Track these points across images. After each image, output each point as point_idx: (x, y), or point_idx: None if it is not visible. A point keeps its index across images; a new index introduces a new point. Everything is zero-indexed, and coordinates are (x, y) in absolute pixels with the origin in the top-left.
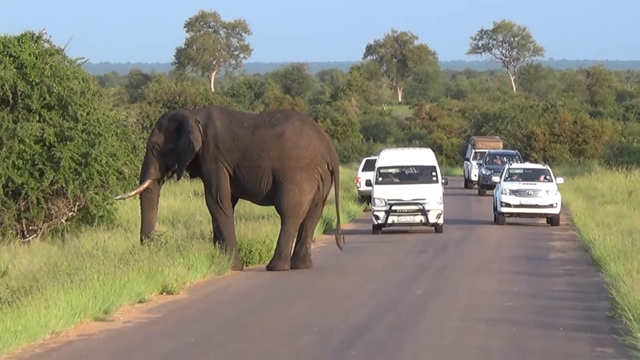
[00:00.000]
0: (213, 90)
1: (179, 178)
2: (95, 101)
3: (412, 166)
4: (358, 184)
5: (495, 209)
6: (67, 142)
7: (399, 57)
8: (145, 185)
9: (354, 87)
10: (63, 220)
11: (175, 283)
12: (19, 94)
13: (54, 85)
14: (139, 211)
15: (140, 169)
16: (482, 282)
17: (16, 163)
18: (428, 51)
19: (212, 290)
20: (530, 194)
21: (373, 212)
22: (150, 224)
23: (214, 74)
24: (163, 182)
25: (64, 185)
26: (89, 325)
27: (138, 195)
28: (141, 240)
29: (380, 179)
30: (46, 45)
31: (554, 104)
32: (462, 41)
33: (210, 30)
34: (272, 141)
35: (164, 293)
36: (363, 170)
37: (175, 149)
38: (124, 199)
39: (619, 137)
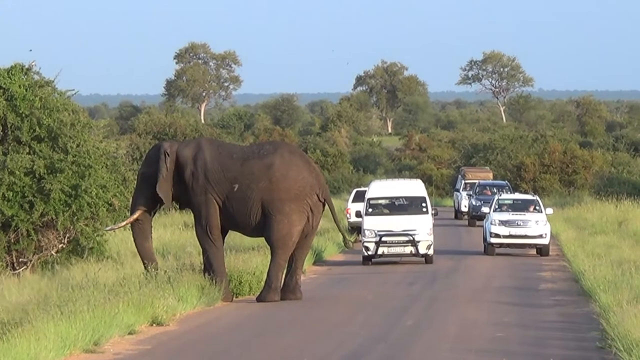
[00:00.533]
0: (203, 121)
1: (166, 206)
2: (85, 133)
3: (402, 197)
4: (348, 215)
5: (485, 239)
6: (57, 174)
7: (388, 87)
8: (136, 216)
9: (344, 118)
10: (53, 252)
11: (165, 314)
12: (8, 126)
13: (44, 117)
14: (131, 243)
15: (131, 200)
16: (473, 313)
17: (6, 195)
18: (418, 82)
19: (202, 321)
20: (520, 225)
21: (363, 243)
22: (149, 253)
23: (203, 105)
24: (154, 214)
25: (54, 217)
26: (79, 357)
27: (129, 226)
28: (145, 267)
29: (370, 210)
30: (36, 77)
31: (543, 134)
32: (451, 72)
33: (200, 61)
34: (261, 172)
35: (154, 324)
36: (353, 201)
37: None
38: (114, 230)
39: (608, 168)
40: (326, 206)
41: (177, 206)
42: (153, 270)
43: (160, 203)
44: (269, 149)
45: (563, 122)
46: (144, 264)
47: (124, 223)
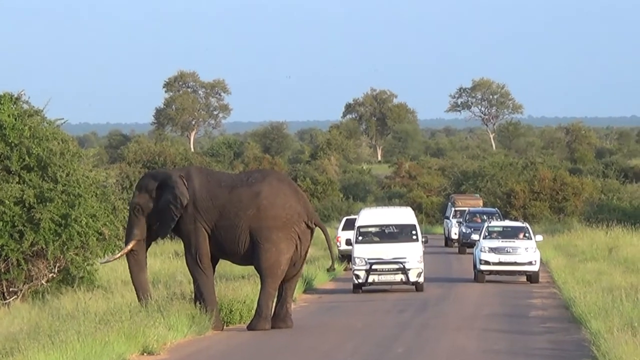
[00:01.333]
0: (192, 150)
1: (164, 236)
2: (74, 162)
3: (392, 225)
4: (338, 243)
5: (475, 266)
6: (47, 203)
7: (378, 115)
8: (130, 246)
9: (334, 145)
10: (43, 282)
11: (156, 343)
12: None
13: (34, 146)
14: (121, 272)
15: (125, 230)
16: (463, 341)
17: None
18: (407, 109)
19: (193, 350)
20: (509, 252)
21: (353, 271)
22: (144, 286)
23: (193, 133)
24: (150, 244)
25: (44, 247)
26: None
27: (124, 257)
28: (139, 299)
29: (360, 238)
30: (25, 106)
31: (533, 161)
32: (441, 99)
33: (189, 90)
34: (248, 200)
35: (145, 354)
36: (343, 229)
37: (157, 207)
38: (109, 261)
39: (598, 194)
40: (318, 232)
41: (169, 235)
42: (145, 300)
43: (157, 232)
44: (257, 177)
45: (553, 149)
46: (138, 296)
47: (119, 255)
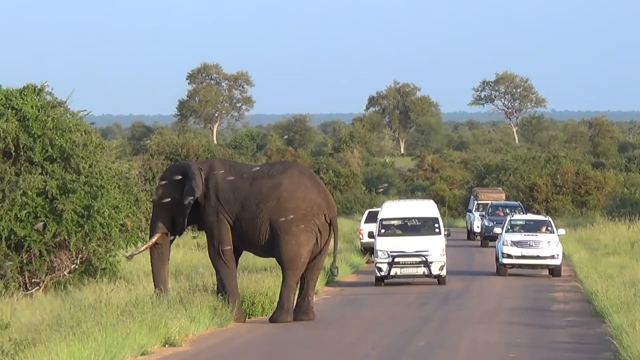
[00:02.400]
0: (215, 142)
1: (182, 230)
2: (97, 153)
3: (414, 218)
4: (360, 236)
5: (497, 260)
6: (70, 195)
7: (401, 108)
8: (155, 239)
9: (357, 138)
10: (65, 273)
11: (178, 335)
12: (21, 147)
13: (56, 137)
14: (144, 263)
15: (149, 223)
16: (485, 334)
17: (19, 215)
18: (430, 102)
19: (215, 342)
20: (532, 245)
21: (376, 264)
22: (163, 279)
23: (216, 125)
24: (174, 237)
25: (66, 238)
26: None
27: (148, 250)
28: (155, 288)
29: (382, 230)
30: (48, 97)
31: (556, 155)
32: (464, 92)
33: (212, 82)
34: (269, 192)
35: (167, 345)
36: (365, 222)
37: (181, 200)
38: (133, 255)
39: (621, 188)
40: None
41: (191, 227)
42: (161, 292)
43: (178, 225)
44: (279, 169)
45: (575, 143)
46: (154, 285)
47: (143, 248)
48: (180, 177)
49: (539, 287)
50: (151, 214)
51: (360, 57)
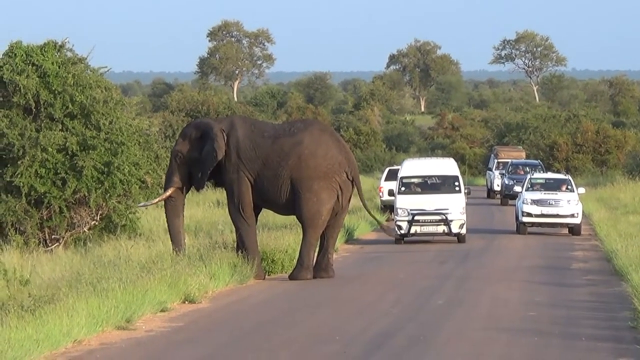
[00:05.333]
0: (236, 99)
1: (202, 187)
2: (117, 110)
3: (434, 176)
4: (381, 194)
5: (517, 218)
6: (90, 151)
7: (421, 66)
8: (169, 193)
9: (377, 96)
10: (85, 229)
11: (197, 292)
12: (41, 103)
13: (77, 94)
14: (163, 221)
15: (165, 177)
16: (504, 292)
17: (39, 172)
18: (451, 61)
19: (234, 299)
20: (552, 204)
21: (396, 222)
22: (178, 232)
23: (236, 83)
24: (188, 191)
25: (86, 194)
26: (111, 334)
27: (162, 204)
28: (174, 249)
29: (402, 188)
30: (69, 54)
31: (576, 114)
32: (484, 51)
33: (233, 39)
34: (290, 149)
35: (186, 302)
36: (386, 180)
37: (199, 157)
38: (146, 206)
39: None
40: (362, 181)
41: (210, 184)
42: (179, 251)
43: (196, 182)
44: (300, 127)
45: (596, 102)
46: (172, 242)
47: (156, 200)
48: (200, 134)
49: (559, 246)
50: (167, 167)
51: (381, 15)
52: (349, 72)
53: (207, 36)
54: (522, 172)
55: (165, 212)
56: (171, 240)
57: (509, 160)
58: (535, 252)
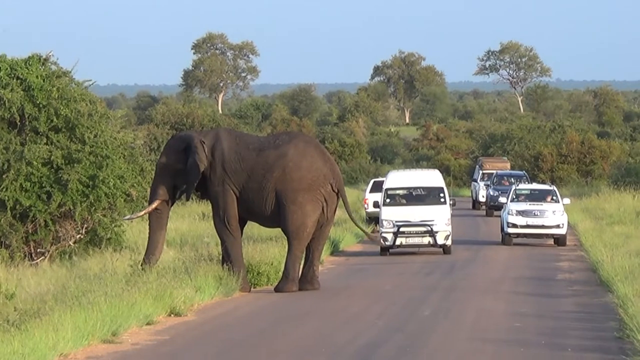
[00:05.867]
0: (220, 111)
1: (187, 199)
2: (102, 123)
3: (419, 187)
4: (365, 206)
5: (502, 229)
6: (75, 165)
7: (406, 78)
8: (154, 205)
9: (362, 108)
10: (71, 243)
11: (183, 305)
12: (26, 116)
13: (62, 107)
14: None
15: (149, 190)
16: (490, 303)
17: (24, 185)
18: (435, 72)
19: (220, 311)
20: (537, 215)
21: (381, 233)
22: (156, 245)
23: (221, 95)
24: (173, 204)
25: (71, 208)
26: (97, 348)
27: (147, 216)
28: (144, 259)
29: (388, 200)
30: (53, 67)
31: (561, 124)
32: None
33: (217, 52)
34: (275, 162)
35: (172, 315)
36: (371, 191)
37: (184, 169)
38: (132, 219)
39: (626, 158)
40: (348, 193)
41: (196, 196)
42: (148, 264)
43: (182, 192)
44: (285, 139)
45: (581, 112)
46: (145, 253)
47: (142, 212)
48: (184, 146)
49: (544, 257)
50: (152, 180)
51: (365, 26)
52: (334, 84)
53: (192, 48)
54: (507, 183)
55: (149, 224)
56: (146, 250)
57: (494, 171)
58: (521, 263)
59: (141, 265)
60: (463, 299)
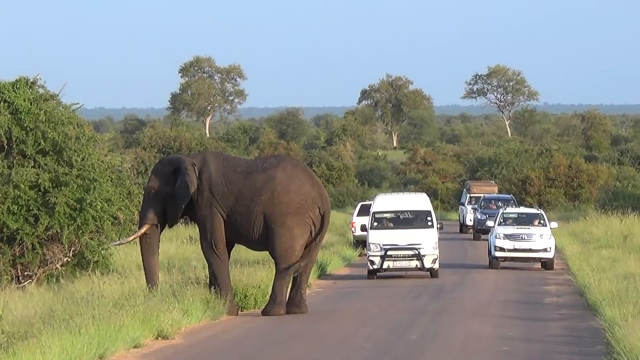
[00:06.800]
0: (208, 135)
1: (175, 222)
2: (90, 146)
3: (407, 211)
4: (353, 229)
5: (489, 253)
6: (62, 188)
7: (393, 101)
8: (143, 230)
9: (349, 131)
10: (58, 266)
11: (170, 328)
12: (13, 140)
13: (49, 130)
14: (136, 256)
15: (139, 214)
16: (478, 327)
17: (11, 208)
18: (423, 96)
19: (207, 335)
20: (524, 239)
21: (368, 257)
22: (153, 271)
23: (208, 119)
24: (163, 228)
25: (59, 231)
26: None
27: (137, 241)
28: (147, 284)
29: (375, 223)
30: (41, 90)
31: (548, 148)
32: (456, 86)
33: (205, 75)
34: (263, 185)
35: (160, 338)
36: (358, 215)
37: (173, 192)
38: (121, 244)
39: (614, 182)
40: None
41: (184, 220)
42: (153, 290)
43: (170, 218)
44: (272, 163)
45: (568, 136)
46: (146, 280)
47: (131, 237)
48: (172, 170)
49: (532, 280)
50: (141, 204)
51: (353, 50)
52: (321, 107)
53: (179, 72)
54: (495, 207)
55: (141, 250)
56: (145, 278)
57: (482, 195)
58: (509, 287)
59: (147, 286)
60: (451, 323)
